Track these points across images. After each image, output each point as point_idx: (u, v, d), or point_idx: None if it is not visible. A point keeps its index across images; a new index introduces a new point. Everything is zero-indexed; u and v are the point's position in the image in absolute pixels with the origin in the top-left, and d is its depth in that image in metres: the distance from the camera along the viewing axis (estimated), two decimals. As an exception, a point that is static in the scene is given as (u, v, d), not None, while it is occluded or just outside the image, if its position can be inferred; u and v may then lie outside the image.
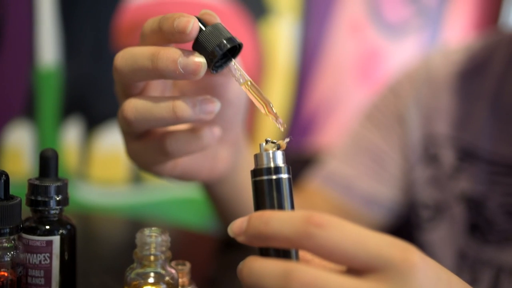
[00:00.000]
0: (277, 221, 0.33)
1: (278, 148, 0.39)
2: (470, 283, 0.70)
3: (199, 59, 0.42)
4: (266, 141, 0.39)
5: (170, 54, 0.42)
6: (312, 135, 1.65)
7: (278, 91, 1.56)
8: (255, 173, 0.38)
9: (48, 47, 1.24)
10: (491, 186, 0.71)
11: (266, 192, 0.37)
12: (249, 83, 0.44)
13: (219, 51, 0.42)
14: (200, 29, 0.43)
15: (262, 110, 0.44)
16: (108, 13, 1.30)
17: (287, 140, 0.39)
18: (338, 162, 0.85)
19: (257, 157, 0.39)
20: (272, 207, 0.37)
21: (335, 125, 1.71)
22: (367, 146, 0.83)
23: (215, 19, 0.44)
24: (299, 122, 1.63)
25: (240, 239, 0.35)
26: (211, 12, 0.44)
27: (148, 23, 0.46)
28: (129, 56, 0.45)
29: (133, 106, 0.46)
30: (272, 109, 0.43)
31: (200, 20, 0.43)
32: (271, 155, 0.38)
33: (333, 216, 0.33)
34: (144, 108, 0.45)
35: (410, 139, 0.80)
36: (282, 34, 1.52)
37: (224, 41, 0.42)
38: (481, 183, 0.71)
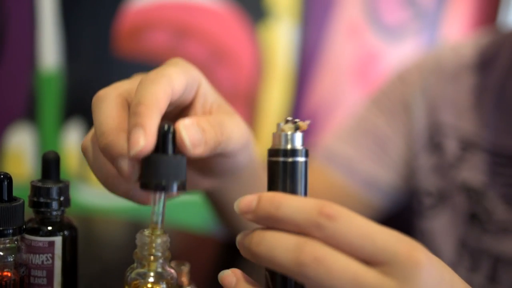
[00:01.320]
0: (288, 207, 0.34)
1: (297, 129, 0.38)
2: (469, 271, 0.71)
3: None
4: (286, 121, 0.38)
5: None
6: (311, 137, 1.66)
7: (277, 93, 1.56)
8: (271, 153, 0.37)
9: (49, 50, 1.25)
10: (492, 176, 0.71)
11: (280, 174, 0.37)
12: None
13: (144, 187, 0.38)
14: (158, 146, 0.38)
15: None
16: (109, 17, 1.31)
17: (308, 122, 0.38)
18: (341, 142, 0.85)
19: (274, 137, 0.38)
20: (284, 189, 0.37)
21: (333, 127, 1.72)
22: (371, 129, 0.84)
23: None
24: (298, 124, 1.64)
25: (248, 217, 0.35)
26: (191, 125, 0.41)
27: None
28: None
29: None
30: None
31: (167, 133, 0.39)
32: (289, 137, 0.37)
33: (344, 208, 0.33)
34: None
35: (415, 126, 0.81)
36: (280, 37, 1.53)
37: (153, 182, 0.38)
38: (482, 173, 0.72)
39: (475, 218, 0.73)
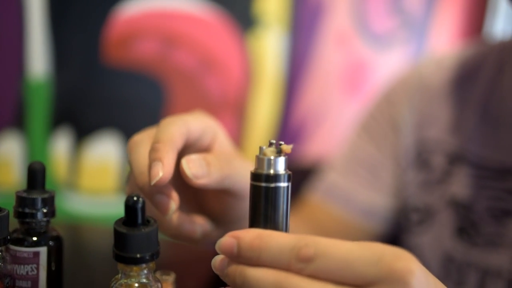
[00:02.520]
0: (268, 253, 0.35)
1: (280, 152, 0.38)
2: (457, 285, 0.71)
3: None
4: (270, 144, 0.38)
5: None
6: (299, 145, 1.66)
7: (266, 102, 1.57)
8: (254, 177, 0.38)
9: (38, 58, 1.25)
10: (478, 190, 0.72)
11: (262, 199, 0.37)
12: None
13: (117, 260, 0.39)
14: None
15: None
16: (98, 25, 1.31)
17: (291, 146, 0.38)
18: (336, 174, 0.86)
19: (258, 160, 0.38)
20: (266, 214, 0.37)
21: (322, 135, 1.73)
22: (363, 157, 0.85)
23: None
24: (287, 133, 1.65)
25: (232, 259, 0.37)
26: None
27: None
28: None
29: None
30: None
31: (136, 203, 0.39)
32: (272, 161, 0.37)
33: (321, 240, 0.34)
34: None
35: (403, 144, 0.81)
36: (269, 46, 1.53)
37: (126, 256, 0.39)
38: (469, 187, 0.73)
39: (463, 232, 0.73)
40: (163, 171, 0.44)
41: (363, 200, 0.83)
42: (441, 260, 0.75)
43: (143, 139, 0.50)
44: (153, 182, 0.44)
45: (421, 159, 0.79)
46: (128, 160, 0.49)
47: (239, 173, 0.50)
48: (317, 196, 0.87)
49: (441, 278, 0.74)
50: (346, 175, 0.85)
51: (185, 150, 0.50)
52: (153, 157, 0.45)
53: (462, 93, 0.77)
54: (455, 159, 0.75)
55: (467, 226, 0.72)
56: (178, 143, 0.47)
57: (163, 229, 0.51)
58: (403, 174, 0.81)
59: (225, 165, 0.49)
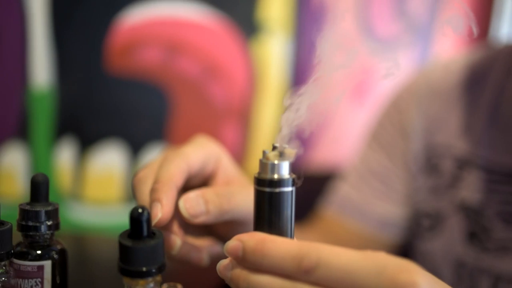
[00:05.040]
0: (271, 259, 0.35)
1: (283, 157, 0.37)
2: None
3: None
4: (273, 147, 0.38)
5: None
6: (304, 151, 1.66)
7: (271, 108, 1.56)
8: (258, 182, 0.37)
9: (41, 68, 1.25)
10: (489, 194, 0.71)
11: (267, 204, 0.37)
12: None
13: (123, 273, 0.38)
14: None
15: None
16: (101, 34, 1.31)
17: (295, 150, 0.38)
18: (349, 187, 0.87)
19: (261, 165, 0.37)
20: (270, 219, 0.37)
21: (327, 141, 1.72)
22: (374, 167, 0.85)
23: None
24: (292, 139, 1.64)
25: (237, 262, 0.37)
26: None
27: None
28: None
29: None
30: None
31: (141, 215, 0.38)
32: (276, 166, 0.37)
33: (324, 248, 0.34)
34: None
35: (412, 150, 0.81)
36: (273, 52, 1.53)
37: (132, 270, 0.38)
38: (479, 192, 0.72)
39: (474, 237, 0.72)
40: (162, 212, 0.46)
41: (377, 212, 0.83)
42: (453, 266, 0.74)
43: (146, 176, 0.51)
44: (154, 223, 0.45)
45: (431, 164, 0.78)
46: (133, 196, 0.51)
47: (240, 205, 0.51)
48: (331, 210, 0.87)
49: (454, 283, 0.73)
50: (359, 187, 0.85)
51: (188, 179, 0.52)
52: (153, 198, 0.47)
53: (470, 97, 0.76)
54: (464, 163, 0.74)
55: (478, 231, 0.72)
56: (178, 182, 0.49)
57: (171, 256, 0.52)
58: (413, 180, 0.81)
59: (225, 200, 0.50)
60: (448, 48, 1.96)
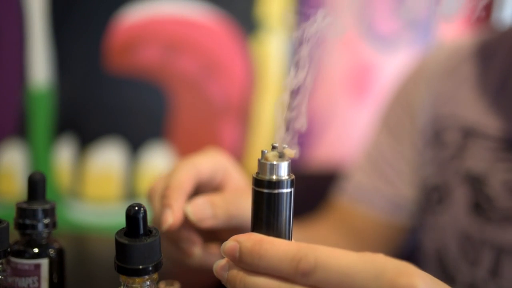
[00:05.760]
0: (267, 261, 0.35)
1: (282, 157, 0.37)
2: (472, 266, 0.71)
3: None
4: (273, 147, 0.37)
5: None
6: (305, 149, 1.66)
7: (270, 106, 1.56)
8: (256, 182, 0.37)
9: (40, 67, 1.25)
10: (494, 163, 0.71)
11: (265, 205, 0.37)
12: None
13: (120, 271, 0.38)
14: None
15: None
16: (99, 32, 1.30)
17: (295, 151, 0.37)
18: (360, 174, 0.87)
19: (260, 165, 0.37)
20: (268, 219, 0.37)
21: (328, 138, 1.72)
22: (384, 152, 0.86)
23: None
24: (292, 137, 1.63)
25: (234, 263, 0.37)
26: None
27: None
28: None
29: None
30: None
31: (137, 213, 0.38)
32: (274, 167, 0.36)
33: (322, 250, 0.34)
34: None
35: (419, 127, 0.81)
36: (273, 49, 1.53)
37: (128, 268, 0.38)
38: (484, 160, 0.72)
39: (478, 208, 0.72)
40: (173, 217, 0.48)
41: (388, 196, 0.84)
42: (458, 239, 0.74)
43: (158, 186, 0.53)
44: (164, 228, 0.47)
45: (437, 136, 0.79)
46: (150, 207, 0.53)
47: (247, 210, 0.51)
48: (344, 198, 0.88)
49: (458, 258, 0.73)
50: (370, 173, 0.86)
51: (198, 189, 0.54)
52: (164, 204, 0.49)
53: (479, 68, 0.77)
54: (470, 133, 0.74)
55: (482, 201, 0.72)
56: (188, 188, 0.51)
57: (187, 264, 0.55)
58: (420, 157, 0.81)
59: (232, 206, 0.52)
60: (451, 36, 1.96)
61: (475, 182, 0.73)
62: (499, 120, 0.72)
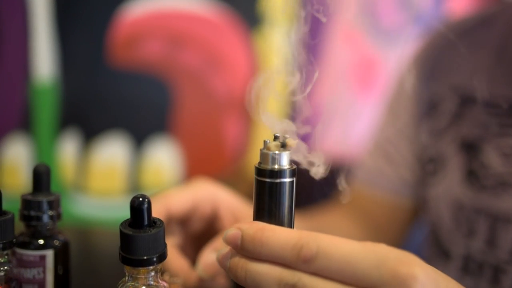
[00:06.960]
0: (269, 249, 0.35)
1: (284, 147, 0.37)
2: (467, 237, 0.70)
3: None
4: (275, 137, 0.37)
5: None
6: (310, 143, 1.66)
7: (273, 100, 1.56)
8: (258, 172, 0.37)
9: (44, 61, 1.25)
10: (488, 128, 0.71)
11: (267, 194, 0.37)
12: None
13: (124, 262, 0.39)
14: None
15: None
16: (103, 27, 1.31)
17: (296, 141, 0.38)
18: (371, 159, 0.88)
19: (262, 155, 0.37)
20: (270, 209, 0.37)
21: (333, 132, 1.72)
22: (387, 133, 0.86)
23: None
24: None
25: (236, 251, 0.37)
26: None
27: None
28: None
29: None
30: None
31: (142, 204, 0.38)
32: (276, 156, 0.37)
33: (323, 238, 0.34)
34: None
35: (418, 100, 0.81)
36: (276, 44, 1.53)
37: (133, 259, 0.38)
38: (478, 127, 0.72)
39: (472, 175, 0.71)
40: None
41: (391, 176, 0.84)
42: (452, 209, 0.74)
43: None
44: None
45: (433, 106, 0.79)
46: None
47: None
48: (355, 184, 0.88)
49: (452, 229, 0.73)
50: (375, 155, 0.87)
51: (189, 225, 0.54)
52: None
53: (478, 37, 0.77)
54: (465, 100, 0.74)
55: (476, 169, 0.71)
56: None
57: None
58: (417, 129, 0.81)
59: None
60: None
61: (470, 149, 0.72)
62: (494, 87, 0.71)
